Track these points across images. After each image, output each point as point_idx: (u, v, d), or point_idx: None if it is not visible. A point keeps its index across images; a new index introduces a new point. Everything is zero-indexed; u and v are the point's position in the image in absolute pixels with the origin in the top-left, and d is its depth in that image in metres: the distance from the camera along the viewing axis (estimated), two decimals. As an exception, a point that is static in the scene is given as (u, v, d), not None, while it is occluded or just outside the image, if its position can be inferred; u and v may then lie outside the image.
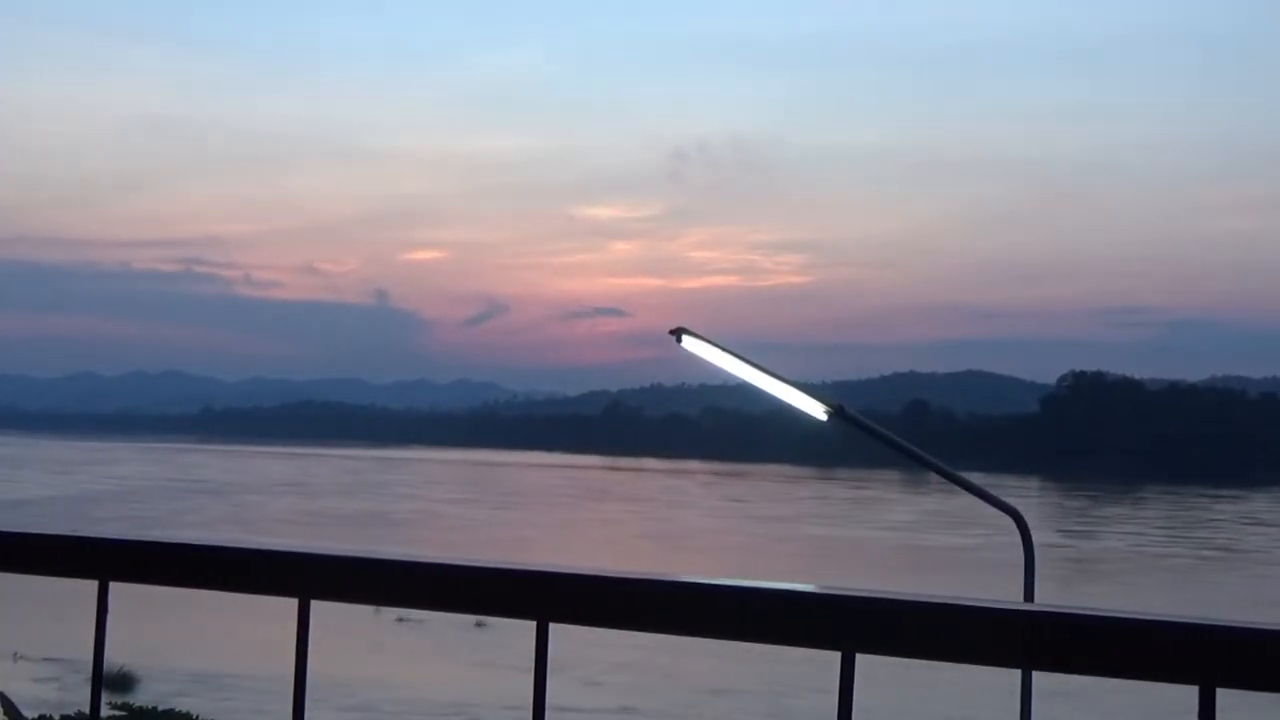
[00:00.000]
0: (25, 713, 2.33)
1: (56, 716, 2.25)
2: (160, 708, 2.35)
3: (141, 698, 18.07)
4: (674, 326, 6.04)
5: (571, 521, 68.65)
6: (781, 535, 60.71)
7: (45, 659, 23.15)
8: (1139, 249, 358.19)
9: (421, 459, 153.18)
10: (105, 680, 1.71)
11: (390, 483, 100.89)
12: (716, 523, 68.64)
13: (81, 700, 2.02)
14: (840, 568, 46.30)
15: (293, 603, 1.54)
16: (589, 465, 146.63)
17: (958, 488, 6.23)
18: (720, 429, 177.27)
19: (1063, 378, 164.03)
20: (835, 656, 1.29)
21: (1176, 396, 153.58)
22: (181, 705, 2.44)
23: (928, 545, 56.37)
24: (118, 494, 76.75)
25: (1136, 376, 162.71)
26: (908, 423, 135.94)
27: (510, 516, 68.74)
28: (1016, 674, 5.47)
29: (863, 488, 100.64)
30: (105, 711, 2.06)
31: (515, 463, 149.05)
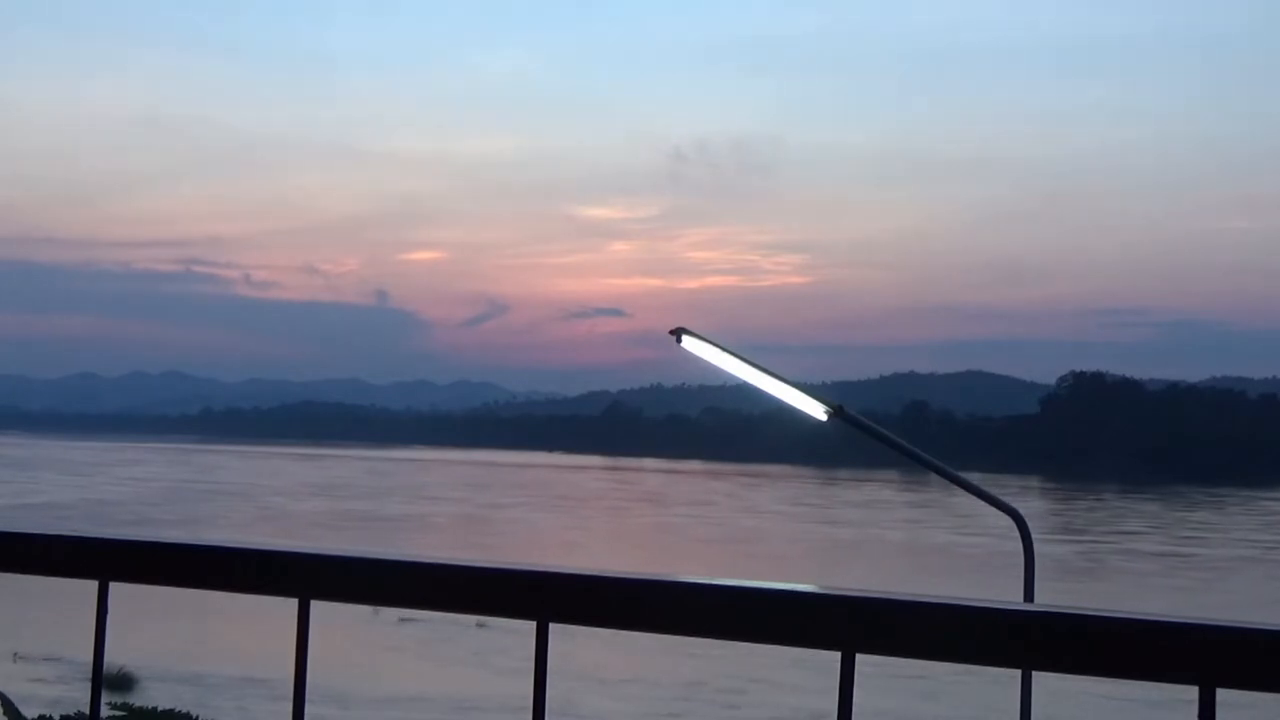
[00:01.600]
0: (25, 713, 2.33)
1: (56, 716, 2.24)
2: (160, 708, 2.35)
3: (141, 698, 18.08)
4: (674, 326, 6.04)
5: (637, 527, 66.25)
6: (858, 540, 58.87)
7: (45, 659, 23.15)
8: (1139, 249, 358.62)
9: (449, 460, 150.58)
10: (105, 680, 1.71)
11: (428, 484, 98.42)
12: (785, 527, 66.08)
13: (81, 700, 2.02)
14: (951, 573, 44.30)
15: (293, 603, 1.54)
16: (590, 466, 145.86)
17: (959, 488, 6.23)
18: (720, 429, 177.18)
19: (1063, 378, 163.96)
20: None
21: (1176, 397, 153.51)
22: (181, 705, 2.44)
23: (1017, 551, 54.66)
24: (142, 498, 73.90)
25: (1136, 377, 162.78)
26: (907, 423, 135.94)
27: (567, 520, 66.85)
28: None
29: (910, 490, 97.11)
30: (105, 711, 2.05)
31: (539, 464, 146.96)
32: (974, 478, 6.38)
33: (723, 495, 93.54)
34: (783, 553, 52.80)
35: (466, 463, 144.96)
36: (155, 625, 21.05)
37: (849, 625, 1.27)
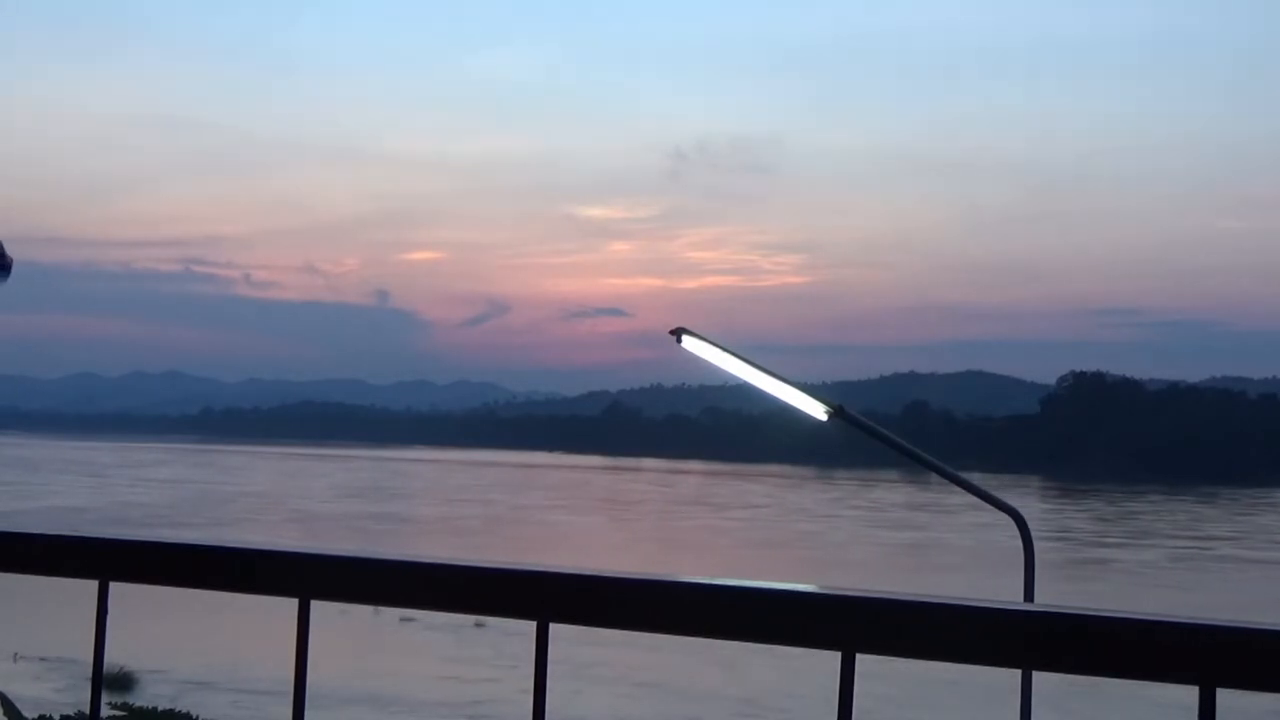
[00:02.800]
0: (25, 713, 2.33)
1: (56, 716, 2.24)
2: (160, 708, 2.35)
3: (141, 698, 18.07)
4: (674, 326, 6.03)
5: (691, 531, 63.11)
6: (925, 543, 56.85)
7: (45, 659, 23.15)
8: (1139, 250, 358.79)
9: (467, 461, 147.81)
10: (105, 680, 1.71)
11: (468, 486, 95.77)
12: (851, 531, 63.27)
13: (81, 700, 2.02)
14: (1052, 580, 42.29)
15: (293, 603, 1.54)
16: (591, 465, 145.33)
17: (958, 488, 6.22)
18: (720, 429, 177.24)
19: (1063, 378, 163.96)
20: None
21: (1176, 396, 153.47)
22: (181, 705, 2.43)
23: (1110, 558, 51.96)
24: (168, 502, 69.87)
25: (1136, 377, 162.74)
26: (907, 423, 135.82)
27: (613, 523, 64.76)
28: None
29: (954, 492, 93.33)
30: (105, 711, 2.05)
31: (563, 465, 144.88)
32: (974, 478, 6.37)
33: (764, 497, 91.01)
34: (865, 559, 50.07)
35: (489, 463, 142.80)
36: (155, 625, 21.03)
37: (849, 625, 1.27)
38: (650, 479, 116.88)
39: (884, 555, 51.58)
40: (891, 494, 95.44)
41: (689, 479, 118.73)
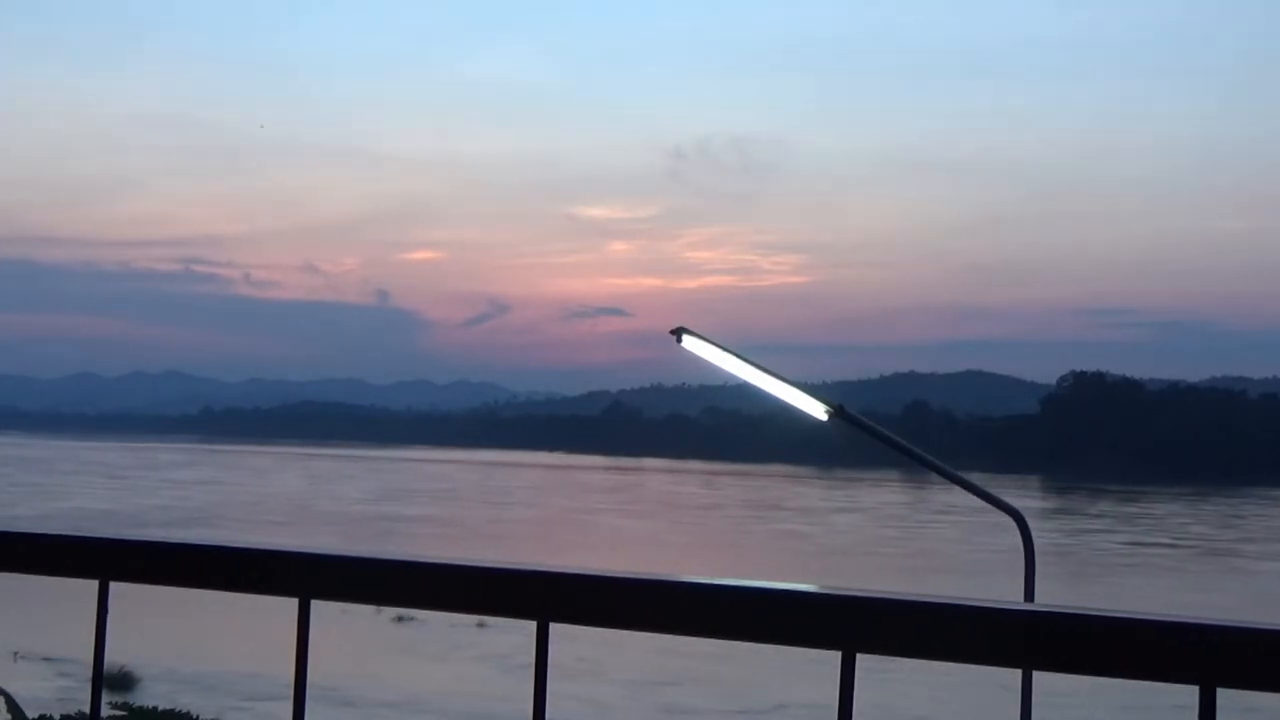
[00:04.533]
0: (26, 713, 2.33)
1: (57, 716, 2.24)
2: (160, 708, 2.35)
3: (141, 698, 18.07)
4: (674, 326, 6.03)
5: (766, 536, 59.80)
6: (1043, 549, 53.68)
7: (45, 659, 23.16)
8: (1139, 249, 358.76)
9: (488, 461, 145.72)
10: (105, 680, 1.71)
11: (511, 488, 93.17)
12: (960, 534, 59.38)
13: (81, 700, 2.02)
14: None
15: (293, 602, 1.54)
16: (591, 465, 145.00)
17: (961, 488, 6.23)
18: (720, 429, 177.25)
19: (1063, 378, 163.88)
20: None
21: (1176, 396, 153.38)
22: (181, 705, 2.44)
23: (1253, 569, 49.98)
24: (200, 505, 66.96)
25: (1137, 376, 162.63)
26: (908, 423, 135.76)
27: (676, 528, 61.44)
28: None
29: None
30: (105, 711, 2.05)
31: (579, 465, 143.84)
32: (974, 478, 6.37)
33: (826, 500, 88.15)
34: (977, 563, 46.22)
35: (512, 464, 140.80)
36: (155, 625, 21.04)
37: (849, 625, 1.27)
38: (697, 481, 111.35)
39: (1004, 561, 48.40)
40: (966, 498, 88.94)
41: (727, 480, 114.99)
